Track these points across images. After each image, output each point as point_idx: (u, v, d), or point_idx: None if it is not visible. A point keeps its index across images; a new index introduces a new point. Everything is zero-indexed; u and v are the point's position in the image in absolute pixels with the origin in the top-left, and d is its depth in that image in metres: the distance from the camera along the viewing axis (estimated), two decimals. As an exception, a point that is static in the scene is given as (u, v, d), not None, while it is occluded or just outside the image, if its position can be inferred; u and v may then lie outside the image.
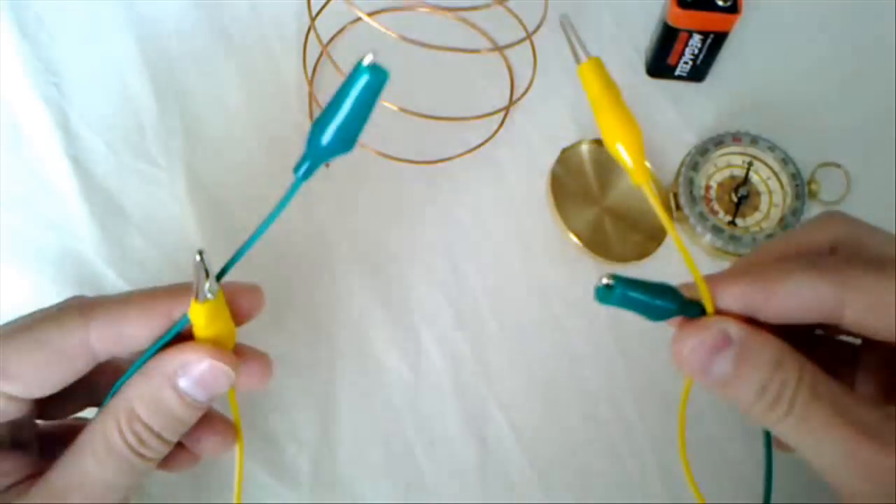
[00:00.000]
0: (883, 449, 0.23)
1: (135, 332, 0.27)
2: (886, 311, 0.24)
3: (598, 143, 0.44)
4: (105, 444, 0.26)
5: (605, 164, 0.44)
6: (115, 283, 0.39)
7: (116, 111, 0.44)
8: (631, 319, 0.41)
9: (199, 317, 0.26)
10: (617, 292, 0.27)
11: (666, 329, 0.41)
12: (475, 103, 0.45)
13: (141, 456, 0.26)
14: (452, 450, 0.38)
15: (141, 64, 0.45)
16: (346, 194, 0.43)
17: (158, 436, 0.27)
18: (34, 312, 0.27)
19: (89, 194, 0.41)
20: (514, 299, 0.41)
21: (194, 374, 0.26)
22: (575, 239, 0.41)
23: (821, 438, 0.24)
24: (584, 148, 0.44)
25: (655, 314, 0.27)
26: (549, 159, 0.43)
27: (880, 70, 0.47)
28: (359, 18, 0.44)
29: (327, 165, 0.43)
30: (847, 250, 0.26)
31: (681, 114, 0.46)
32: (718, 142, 0.43)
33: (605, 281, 0.26)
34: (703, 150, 0.43)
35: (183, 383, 0.26)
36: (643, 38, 0.47)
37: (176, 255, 0.40)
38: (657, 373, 0.40)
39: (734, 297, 0.25)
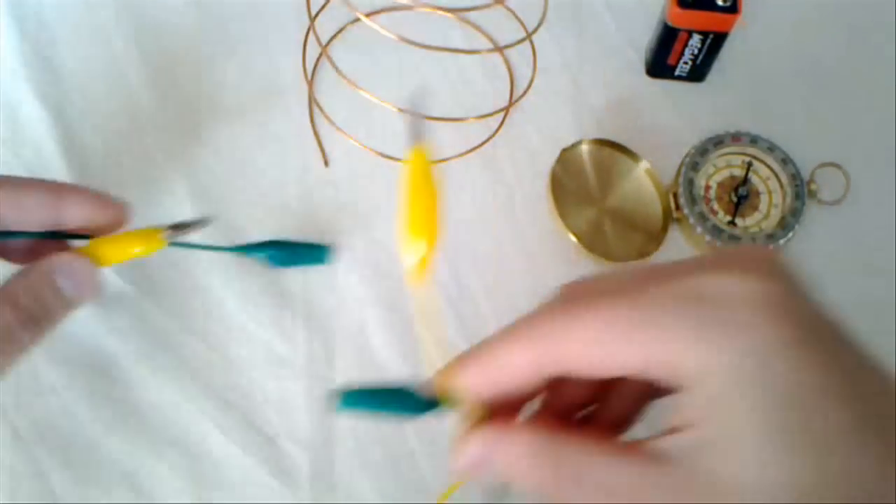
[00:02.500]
0: None
1: (31, 209, 0.31)
2: (589, 353, 0.24)
3: (599, 143, 0.44)
4: None
5: (605, 165, 0.44)
6: (114, 282, 0.39)
7: (116, 111, 0.44)
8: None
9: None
10: (346, 406, 0.27)
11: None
12: (475, 103, 0.45)
13: (20, 341, 0.30)
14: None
15: (141, 64, 0.45)
16: (345, 193, 0.43)
17: (39, 324, 0.31)
18: None
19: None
20: (514, 299, 0.41)
21: (70, 271, 0.31)
22: (575, 239, 0.41)
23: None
24: (584, 148, 0.44)
25: (399, 416, 0.28)
26: (549, 159, 0.43)
27: (880, 70, 0.47)
28: (358, 19, 0.44)
29: (326, 164, 0.43)
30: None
31: (680, 114, 0.46)
32: (718, 142, 0.43)
33: (334, 397, 0.27)
34: (703, 151, 0.43)
35: (60, 280, 0.31)
36: (643, 38, 0.47)
37: (174, 253, 0.40)
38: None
39: (472, 386, 0.27)
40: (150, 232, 0.33)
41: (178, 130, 0.44)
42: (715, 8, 0.41)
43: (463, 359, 0.28)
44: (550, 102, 0.46)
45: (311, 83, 0.45)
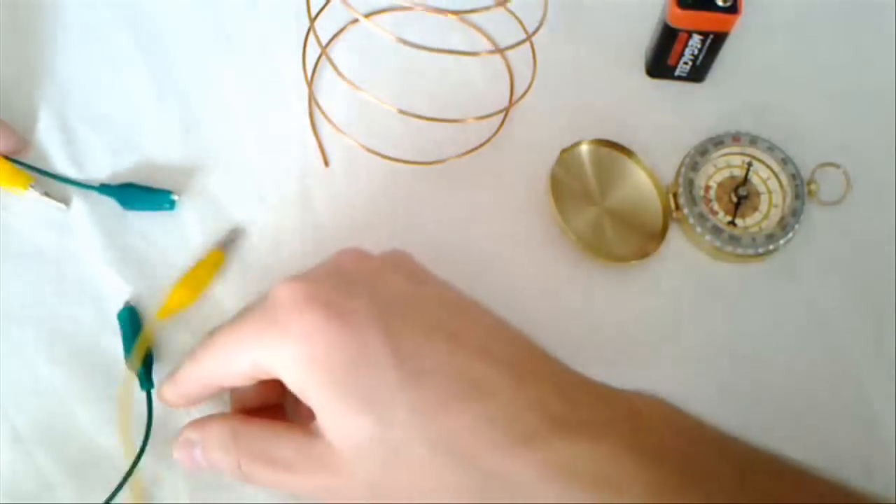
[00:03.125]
0: (301, 477, 0.30)
1: None
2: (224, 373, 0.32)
3: (598, 143, 0.44)
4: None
5: (605, 165, 0.44)
6: (114, 282, 0.39)
7: (116, 111, 0.44)
8: (631, 320, 0.41)
9: None
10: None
11: (666, 329, 0.41)
12: (475, 104, 0.45)
13: None
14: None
15: (141, 64, 0.45)
16: (345, 194, 0.43)
17: None
18: None
19: (88, 194, 0.41)
20: (514, 299, 0.41)
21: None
22: (575, 239, 0.41)
23: (271, 486, 0.32)
24: (584, 148, 0.44)
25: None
26: (548, 160, 0.43)
27: (880, 70, 0.47)
28: (358, 20, 0.44)
29: (326, 165, 0.43)
30: None
31: (680, 114, 0.46)
32: (718, 142, 0.43)
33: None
34: (703, 151, 0.43)
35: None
36: (643, 38, 0.47)
37: (175, 255, 0.40)
38: (656, 374, 0.40)
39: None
40: (213, 257, 0.40)
41: (177, 130, 0.44)
42: (715, 8, 0.41)
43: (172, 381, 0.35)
44: (550, 103, 0.46)
45: (310, 84, 0.45)
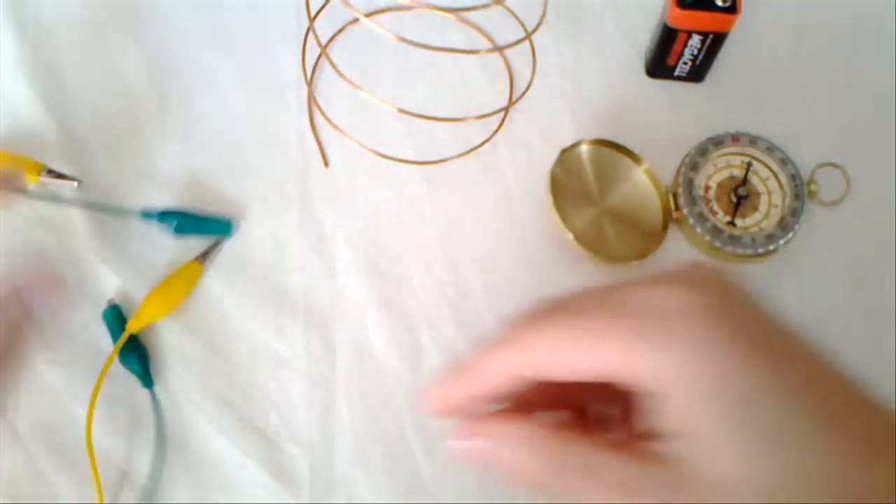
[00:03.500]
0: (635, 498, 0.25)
1: None
2: (561, 361, 0.26)
3: (598, 143, 0.44)
4: None
5: (605, 165, 0.44)
6: (113, 281, 0.39)
7: (116, 111, 0.44)
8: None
9: None
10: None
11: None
12: (475, 104, 0.45)
13: None
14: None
15: (141, 64, 0.45)
16: (346, 194, 0.43)
17: None
18: None
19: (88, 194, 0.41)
20: (514, 299, 0.41)
21: None
22: (574, 239, 0.41)
23: (580, 499, 0.26)
24: (584, 148, 0.44)
25: None
26: (548, 160, 0.43)
27: (880, 70, 0.47)
28: (358, 19, 0.44)
29: (326, 165, 0.43)
30: None
31: (680, 114, 0.46)
32: (718, 142, 0.43)
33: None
34: (703, 151, 0.43)
35: None
36: (643, 38, 0.47)
37: (173, 256, 0.40)
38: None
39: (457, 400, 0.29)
40: (189, 268, 0.39)
41: (177, 130, 0.44)
42: (715, 8, 0.41)
43: (445, 383, 0.29)
44: (550, 103, 0.46)
45: (310, 84, 0.45)
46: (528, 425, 0.28)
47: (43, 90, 0.44)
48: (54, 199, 0.40)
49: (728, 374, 0.24)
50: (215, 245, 0.40)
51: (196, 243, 0.41)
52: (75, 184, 0.40)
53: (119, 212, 0.41)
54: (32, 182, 0.40)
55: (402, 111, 0.41)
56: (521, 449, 0.27)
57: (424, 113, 0.42)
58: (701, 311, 0.25)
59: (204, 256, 0.40)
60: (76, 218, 0.41)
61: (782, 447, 0.23)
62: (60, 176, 0.40)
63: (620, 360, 0.25)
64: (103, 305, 0.39)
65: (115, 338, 0.38)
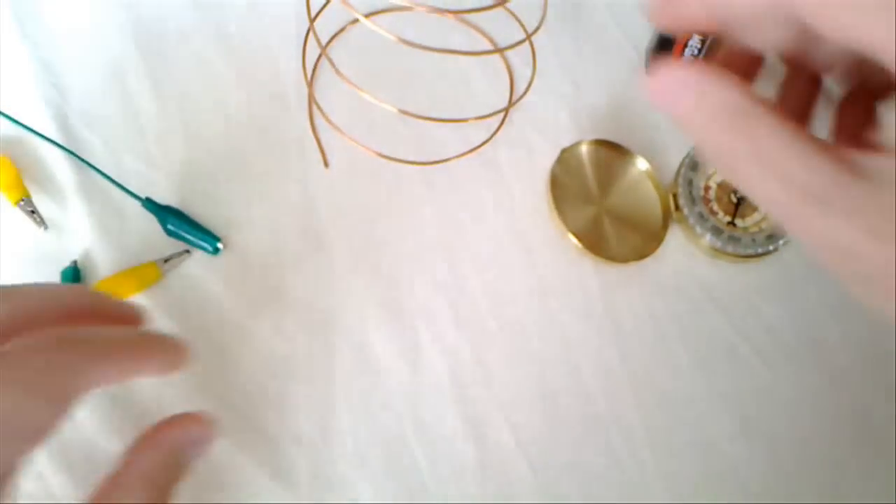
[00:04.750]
0: (823, 218, 0.21)
1: (111, 375, 0.29)
2: (838, 4, 0.21)
3: (598, 143, 0.44)
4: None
5: (605, 165, 0.44)
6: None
7: (116, 111, 0.44)
8: (631, 320, 0.41)
9: None
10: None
11: (665, 330, 0.41)
12: (475, 104, 0.45)
13: None
14: (452, 449, 0.38)
15: (141, 64, 0.45)
16: (345, 194, 0.43)
17: (165, 499, 0.30)
18: None
19: (88, 194, 0.41)
20: (514, 299, 0.41)
21: (198, 438, 0.31)
22: (574, 239, 0.41)
23: (768, 206, 0.22)
24: (584, 148, 0.44)
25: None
26: (548, 159, 0.43)
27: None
28: (358, 20, 0.44)
29: (326, 165, 0.43)
30: None
31: (680, 114, 0.46)
32: (718, 142, 0.43)
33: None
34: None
35: (188, 450, 0.31)
36: (643, 38, 0.47)
37: (164, 243, 0.40)
38: (656, 372, 0.40)
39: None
40: (146, 268, 0.39)
41: (177, 131, 0.44)
42: (714, 8, 0.41)
43: None
44: (550, 103, 0.46)
45: (310, 84, 0.45)
46: (737, 85, 0.23)
47: (43, 90, 0.44)
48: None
49: None
50: (182, 254, 0.40)
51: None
52: (42, 228, 0.40)
53: (126, 191, 0.41)
54: (11, 202, 0.40)
55: (402, 112, 0.41)
56: (717, 107, 0.23)
57: (425, 113, 0.42)
58: None
59: (166, 261, 0.40)
60: (75, 217, 0.41)
61: None
62: (33, 212, 0.40)
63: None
64: (66, 263, 0.39)
65: None
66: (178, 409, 0.37)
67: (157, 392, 0.38)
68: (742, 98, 0.22)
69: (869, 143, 0.21)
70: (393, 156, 0.44)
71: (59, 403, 0.27)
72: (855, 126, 0.25)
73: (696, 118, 0.23)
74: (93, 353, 0.29)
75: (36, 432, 0.27)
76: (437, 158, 0.44)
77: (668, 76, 0.24)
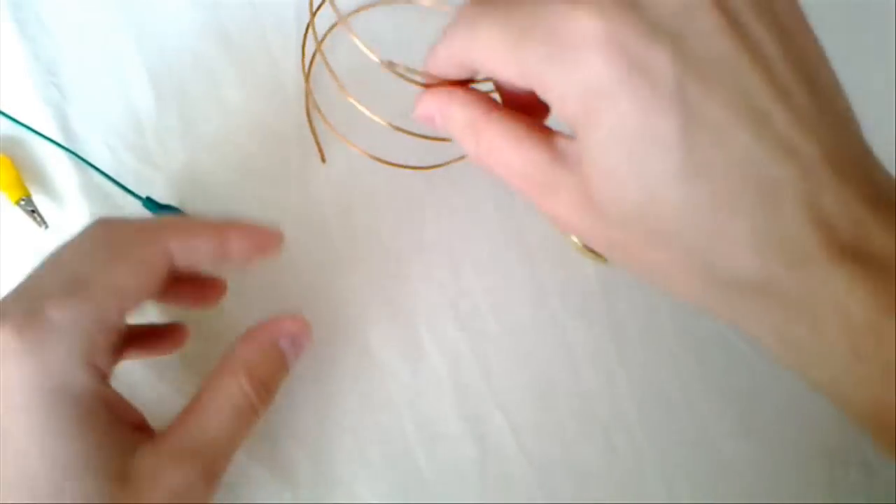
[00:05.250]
0: (539, 193, 0.27)
1: (200, 248, 0.33)
2: (487, 64, 0.27)
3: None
4: (230, 402, 0.31)
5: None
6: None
7: (116, 111, 0.44)
8: (631, 320, 0.41)
9: None
10: None
11: (666, 330, 0.41)
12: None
13: (258, 412, 0.32)
14: (452, 449, 0.38)
15: (141, 64, 0.45)
16: (345, 194, 0.43)
17: (271, 391, 0.33)
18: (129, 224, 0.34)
19: (88, 194, 0.41)
20: (514, 299, 0.41)
21: (290, 333, 0.34)
22: (575, 239, 0.41)
23: (503, 179, 0.28)
24: (584, 148, 0.44)
25: None
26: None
27: (880, 70, 0.47)
28: (358, 11, 0.44)
29: (323, 160, 0.43)
30: None
31: (680, 114, 0.45)
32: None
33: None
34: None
35: (283, 344, 0.34)
36: (643, 37, 0.47)
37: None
38: (656, 373, 0.40)
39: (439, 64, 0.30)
40: None
41: (177, 130, 0.44)
42: (715, 8, 0.41)
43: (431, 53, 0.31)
44: (550, 102, 0.46)
45: (307, 79, 0.45)
46: (469, 98, 0.29)
47: (43, 90, 0.44)
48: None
49: (615, 106, 0.24)
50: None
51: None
52: (42, 228, 0.40)
53: (126, 190, 0.41)
54: (11, 201, 0.40)
55: (393, 126, 0.39)
56: (461, 124, 0.29)
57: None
58: (605, 40, 0.24)
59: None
60: (75, 217, 0.41)
61: (646, 186, 0.24)
62: (33, 212, 0.40)
63: (526, 68, 0.26)
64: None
65: None
66: (179, 408, 0.37)
67: (157, 392, 0.38)
68: (475, 110, 0.29)
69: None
70: (393, 154, 0.43)
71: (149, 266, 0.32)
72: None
73: (452, 132, 0.30)
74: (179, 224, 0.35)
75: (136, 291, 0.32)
76: (437, 158, 0.44)
77: (425, 103, 0.31)
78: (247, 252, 0.34)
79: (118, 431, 0.30)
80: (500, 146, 0.28)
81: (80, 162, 0.42)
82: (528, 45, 0.25)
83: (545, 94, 0.26)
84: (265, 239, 0.35)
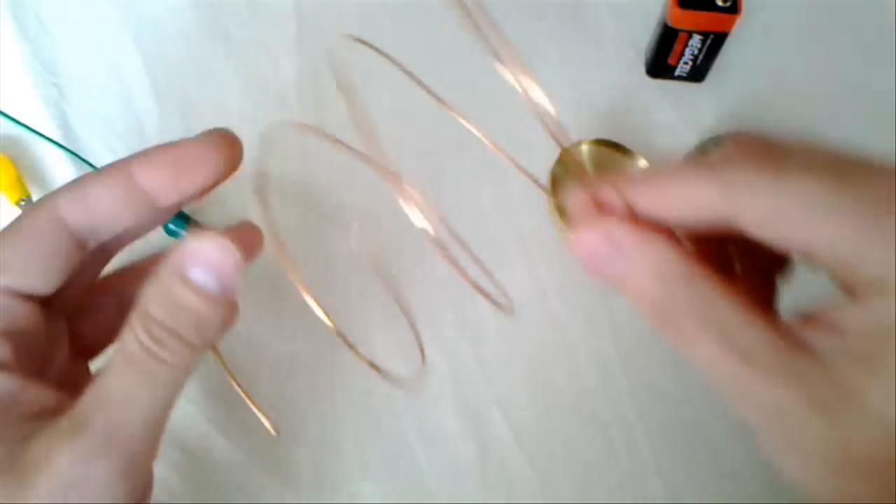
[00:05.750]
0: (763, 380, 0.21)
1: (100, 199, 0.27)
2: (779, 217, 0.22)
3: (598, 143, 0.44)
4: (123, 354, 0.25)
5: (605, 165, 0.44)
6: None
7: (116, 111, 0.44)
8: (630, 320, 0.41)
9: None
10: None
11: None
12: (480, 102, 0.45)
13: (161, 361, 0.25)
14: (452, 450, 0.38)
15: (141, 64, 0.45)
16: (346, 194, 0.43)
17: (178, 335, 0.25)
18: None
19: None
20: (514, 299, 0.41)
21: (201, 257, 0.26)
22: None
23: (707, 366, 0.22)
24: (584, 148, 0.44)
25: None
26: (549, 159, 0.43)
27: (880, 70, 0.47)
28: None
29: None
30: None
31: (681, 114, 0.46)
32: (718, 142, 0.43)
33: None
34: (703, 151, 0.43)
35: (193, 272, 0.25)
36: (643, 38, 0.47)
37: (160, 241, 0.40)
38: (656, 372, 0.40)
39: (630, 197, 0.24)
40: None
41: (177, 131, 0.44)
42: (715, 8, 0.41)
43: (634, 179, 0.25)
44: (550, 102, 0.46)
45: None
46: (672, 244, 0.23)
47: (43, 90, 0.44)
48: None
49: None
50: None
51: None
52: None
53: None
54: (11, 202, 0.40)
55: (387, 172, 0.39)
56: (657, 268, 0.23)
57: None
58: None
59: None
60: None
61: None
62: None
63: (857, 246, 0.21)
64: None
65: None
66: (180, 408, 0.37)
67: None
68: (677, 257, 0.23)
69: (811, 319, 0.22)
70: (393, 154, 0.43)
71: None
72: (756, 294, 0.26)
73: (633, 280, 0.23)
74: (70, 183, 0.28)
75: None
76: (436, 159, 0.44)
77: (595, 237, 0.24)
78: (171, 183, 0.28)
79: (9, 419, 0.25)
80: (717, 308, 0.22)
81: (80, 162, 0.42)
82: (866, 216, 0.21)
83: (855, 276, 0.21)
84: (192, 155, 0.29)
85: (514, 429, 0.39)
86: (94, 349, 0.30)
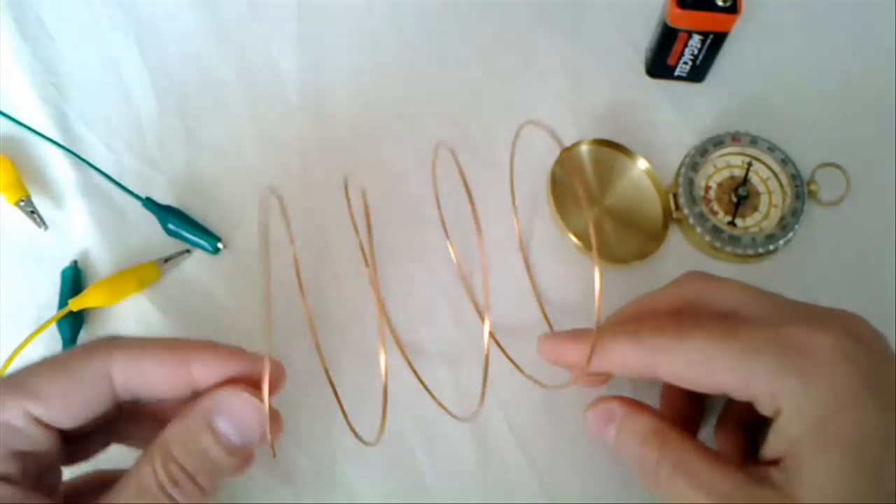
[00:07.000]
0: None
1: (153, 373, 0.28)
2: (683, 371, 0.29)
3: (598, 143, 0.44)
4: (137, 486, 0.26)
5: (605, 165, 0.44)
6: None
7: (116, 111, 0.44)
8: (630, 320, 0.41)
9: None
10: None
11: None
12: (479, 103, 0.45)
13: (171, 500, 0.26)
14: (452, 450, 0.38)
15: (141, 64, 0.45)
16: (345, 195, 0.43)
17: (192, 479, 0.27)
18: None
19: (88, 194, 0.41)
20: (515, 299, 0.41)
21: (231, 411, 0.28)
22: (575, 239, 0.41)
23: (679, 500, 0.29)
24: (584, 148, 0.44)
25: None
26: (549, 159, 0.43)
27: (880, 70, 0.47)
28: None
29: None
30: (692, 308, 0.32)
31: (680, 114, 0.46)
32: (718, 142, 0.43)
33: None
34: (703, 151, 0.43)
35: (219, 423, 0.28)
36: (643, 38, 0.47)
37: (162, 243, 0.40)
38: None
39: (619, 359, 0.31)
40: (146, 268, 0.39)
41: (177, 130, 0.44)
42: (715, 8, 0.41)
43: (575, 336, 0.34)
44: (550, 103, 0.46)
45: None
46: (647, 409, 0.31)
47: (43, 90, 0.44)
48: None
49: (848, 416, 0.26)
50: (182, 254, 0.40)
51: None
52: (42, 228, 0.40)
53: (126, 191, 0.41)
54: (10, 202, 0.40)
55: (369, 262, 0.39)
56: (640, 434, 0.30)
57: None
58: (841, 356, 0.27)
59: (166, 261, 0.40)
60: (76, 218, 0.41)
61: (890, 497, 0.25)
62: (33, 212, 0.40)
63: (761, 383, 0.27)
64: (66, 263, 0.40)
65: (62, 299, 0.38)
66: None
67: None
68: (656, 421, 0.31)
69: (764, 457, 0.29)
70: (393, 158, 0.43)
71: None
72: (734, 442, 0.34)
73: (623, 439, 0.31)
74: (129, 341, 0.29)
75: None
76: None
77: (601, 413, 0.32)
78: (216, 377, 0.29)
79: None
80: (692, 460, 0.29)
81: (80, 162, 0.42)
82: (761, 359, 0.27)
83: (758, 399, 0.28)
84: (238, 362, 0.29)
85: (513, 428, 0.39)
86: (76, 460, 0.31)
